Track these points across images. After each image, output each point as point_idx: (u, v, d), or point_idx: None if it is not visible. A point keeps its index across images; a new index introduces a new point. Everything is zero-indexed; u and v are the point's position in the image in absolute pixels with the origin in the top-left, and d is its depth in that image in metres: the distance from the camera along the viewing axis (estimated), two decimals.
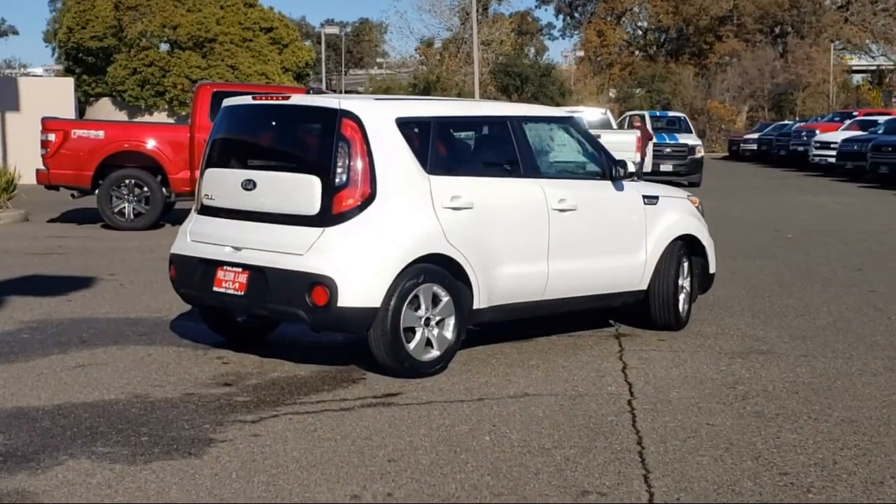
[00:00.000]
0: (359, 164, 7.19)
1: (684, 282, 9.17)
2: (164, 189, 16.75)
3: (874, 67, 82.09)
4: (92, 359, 7.86)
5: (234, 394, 6.95)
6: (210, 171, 7.95)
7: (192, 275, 7.78)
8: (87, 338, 8.57)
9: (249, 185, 7.53)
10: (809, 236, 17.22)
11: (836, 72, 75.63)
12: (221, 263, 7.57)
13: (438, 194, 7.48)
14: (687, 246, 9.22)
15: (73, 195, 17.27)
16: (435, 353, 7.46)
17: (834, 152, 37.36)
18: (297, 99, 7.74)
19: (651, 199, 8.97)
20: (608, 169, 8.75)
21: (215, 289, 7.59)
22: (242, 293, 7.42)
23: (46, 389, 6.99)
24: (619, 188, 8.78)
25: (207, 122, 16.37)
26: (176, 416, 6.40)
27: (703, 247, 9.38)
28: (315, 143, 7.51)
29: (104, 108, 37.29)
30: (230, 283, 7.50)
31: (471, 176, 7.93)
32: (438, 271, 7.41)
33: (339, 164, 7.16)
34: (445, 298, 7.46)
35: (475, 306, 7.66)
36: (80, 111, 34.75)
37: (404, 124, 7.50)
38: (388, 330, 7.17)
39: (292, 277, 7.13)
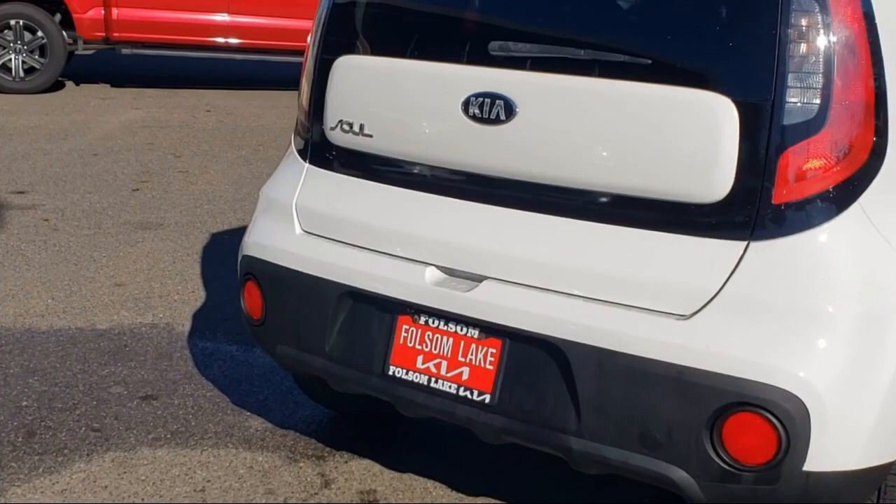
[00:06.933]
0: (847, 67, 2.53)
1: None
2: (64, 34, 11.49)
3: None
4: None
5: None
6: (350, 65, 3.22)
7: (319, 323, 3.10)
8: (31, 420, 3.86)
9: (494, 111, 2.84)
10: None
11: None
12: (414, 310, 2.91)
13: None
14: None
15: None
16: None
17: None
18: None
19: None
20: None
21: (395, 370, 2.97)
22: (486, 396, 2.81)
23: None
24: None
25: None
26: None
27: None
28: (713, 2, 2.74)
29: None
30: (444, 367, 2.87)
31: None
32: None
33: (795, 62, 2.52)
34: None
35: None
36: None
37: None
38: None
39: (658, 381, 2.52)
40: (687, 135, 2.65)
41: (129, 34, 11.56)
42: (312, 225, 3.25)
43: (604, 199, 2.76)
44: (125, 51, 11.85)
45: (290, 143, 3.50)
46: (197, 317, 4.97)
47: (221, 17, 11.80)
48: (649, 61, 2.71)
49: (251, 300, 3.39)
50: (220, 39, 11.86)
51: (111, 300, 5.15)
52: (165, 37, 11.77)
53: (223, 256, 5.93)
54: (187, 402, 4.07)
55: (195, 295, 5.27)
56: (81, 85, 12.10)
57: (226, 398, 4.12)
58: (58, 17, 11.48)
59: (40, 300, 5.11)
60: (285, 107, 11.22)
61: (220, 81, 12.43)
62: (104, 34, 11.60)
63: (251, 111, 10.85)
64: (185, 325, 4.86)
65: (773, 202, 2.58)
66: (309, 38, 3.43)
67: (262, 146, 9.11)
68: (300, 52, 12.08)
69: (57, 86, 11.69)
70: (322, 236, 3.22)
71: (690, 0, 2.72)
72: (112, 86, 12.09)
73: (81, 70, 12.36)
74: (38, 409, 3.96)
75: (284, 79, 12.94)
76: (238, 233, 6.48)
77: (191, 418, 3.95)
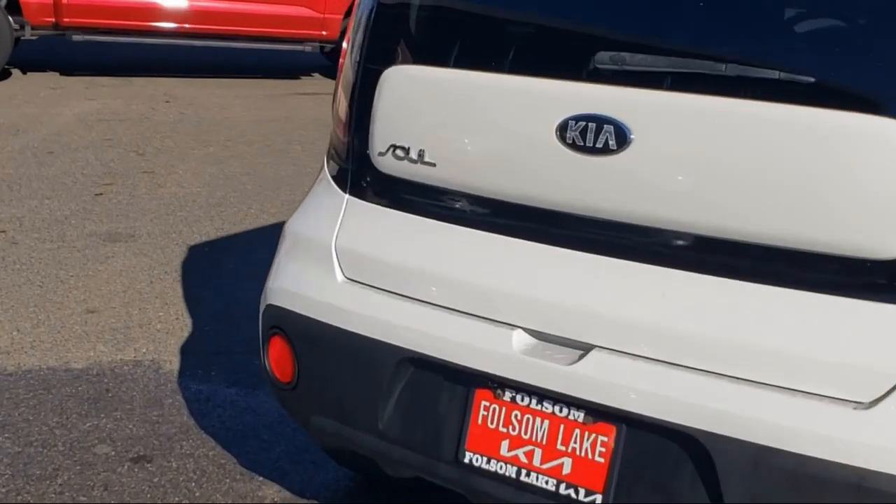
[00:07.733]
0: None
1: None
2: (10, 19, 10.73)
3: None
4: None
5: None
6: (406, 77, 2.63)
7: (370, 394, 2.51)
8: (6, 492, 3.31)
9: (601, 138, 2.28)
10: None
11: None
12: (497, 383, 2.33)
13: None
14: None
15: None
16: None
17: None
18: None
19: None
20: None
21: (472, 457, 2.39)
22: (596, 497, 2.24)
23: None
24: None
25: None
26: None
27: None
28: None
29: None
30: (539, 457, 2.28)
31: None
32: None
33: None
34: None
35: None
36: None
37: None
38: None
39: (832, 488, 2.01)
40: (862, 173, 2.09)
41: (81, 19, 10.84)
42: (357, 272, 2.66)
43: (750, 252, 2.19)
44: (76, 37, 11.08)
45: (322, 167, 2.90)
46: (185, 351, 4.36)
47: (180, 1, 11.10)
48: (812, 79, 2.14)
49: (279, 359, 2.79)
50: (179, 25, 11.14)
51: (84, 331, 4.52)
52: (120, 22, 11.06)
53: (204, 274, 5.33)
54: (187, 465, 3.47)
55: (179, 323, 4.66)
56: (28, 73, 11.33)
57: (231, 458, 3.52)
58: (3, 0, 10.71)
59: (4, 332, 4.47)
60: (248, 96, 10.58)
61: (176, 69, 11.71)
62: (54, 19, 10.85)
63: (214, 101, 10.18)
64: (173, 363, 4.25)
65: None
66: (345, 43, 2.83)
67: (232, 142, 8.46)
68: (264, 39, 11.52)
69: (2, 74, 10.93)
70: (371, 286, 2.62)
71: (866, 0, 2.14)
72: (61, 74, 11.34)
73: (27, 57, 11.57)
74: (12, 477, 3.34)
75: (246, 66, 12.27)
76: (217, 244, 5.86)
77: (194, 487, 3.34)
